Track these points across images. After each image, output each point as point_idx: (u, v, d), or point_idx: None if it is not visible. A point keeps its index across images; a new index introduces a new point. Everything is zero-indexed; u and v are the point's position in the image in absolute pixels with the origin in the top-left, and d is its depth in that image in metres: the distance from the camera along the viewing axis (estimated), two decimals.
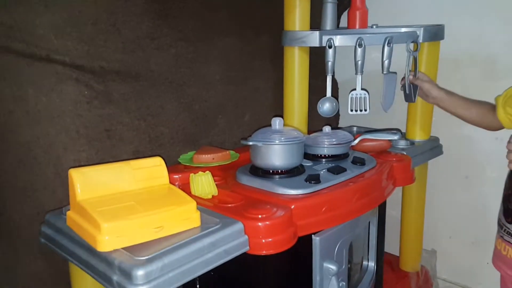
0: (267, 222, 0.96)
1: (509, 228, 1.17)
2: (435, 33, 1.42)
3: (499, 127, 1.25)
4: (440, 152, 1.56)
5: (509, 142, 1.08)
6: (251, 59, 1.48)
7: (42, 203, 1.10)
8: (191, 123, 1.35)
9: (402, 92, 1.42)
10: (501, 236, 1.20)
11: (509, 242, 1.17)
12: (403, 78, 1.39)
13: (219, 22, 1.38)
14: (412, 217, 1.60)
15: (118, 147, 1.19)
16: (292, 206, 1.02)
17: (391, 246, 1.65)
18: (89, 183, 0.93)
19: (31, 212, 1.10)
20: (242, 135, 1.46)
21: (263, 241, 0.97)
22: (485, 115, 1.29)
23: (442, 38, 1.45)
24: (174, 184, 1.12)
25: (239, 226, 0.95)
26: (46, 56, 1.08)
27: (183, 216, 0.92)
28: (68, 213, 0.95)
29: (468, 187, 1.65)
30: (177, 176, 1.18)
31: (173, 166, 1.25)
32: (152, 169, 1.02)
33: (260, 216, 0.97)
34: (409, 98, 1.40)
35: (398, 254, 1.67)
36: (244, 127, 1.48)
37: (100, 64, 1.15)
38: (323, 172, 1.17)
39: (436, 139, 1.56)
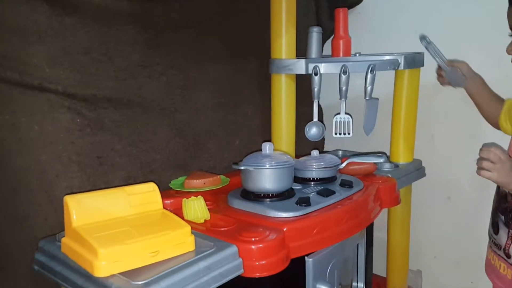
0: (261, 245, 0.98)
1: (495, 239, 1.22)
2: (416, 61, 1.48)
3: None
4: (423, 174, 1.61)
5: (481, 149, 1.13)
6: (240, 85, 1.52)
7: (34, 231, 1.10)
8: (182, 149, 1.36)
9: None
10: (490, 246, 1.26)
11: (495, 252, 1.22)
12: (438, 69, 1.46)
13: (208, 50, 1.41)
14: (398, 238, 1.63)
15: (110, 173, 1.20)
16: (285, 229, 1.04)
17: (378, 267, 1.67)
18: (85, 210, 0.94)
19: (23, 239, 1.09)
20: (232, 160, 1.48)
21: (257, 263, 0.98)
22: (496, 109, 1.36)
23: (422, 65, 1.51)
24: (166, 209, 1.13)
25: (233, 249, 0.96)
26: (39, 85, 1.09)
27: (178, 240, 0.93)
28: (63, 239, 0.95)
29: (450, 208, 1.70)
30: (168, 202, 1.19)
31: (164, 192, 1.25)
32: (146, 195, 1.03)
33: (253, 239, 0.99)
34: (458, 81, 1.43)
35: (385, 275, 1.69)
36: (234, 152, 1.50)
37: (92, 92, 1.17)
38: (312, 195, 1.20)
39: (419, 162, 1.61)
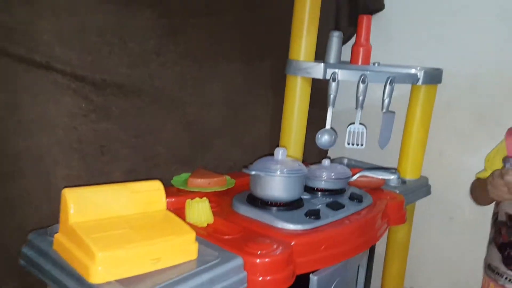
0: (267, 259, 0.92)
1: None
2: (434, 77, 1.44)
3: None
4: (429, 192, 1.57)
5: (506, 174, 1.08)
6: (252, 84, 1.45)
7: (24, 220, 1.03)
8: (188, 145, 1.30)
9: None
10: (503, 285, 1.19)
11: None
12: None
13: (225, 42, 1.34)
14: (396, 256, 1.59)
15: (111, 164, 1.14)
16: (292, 242, 0.99)
17: (372, 282, 1.64)
18: (84, 205, 0.87)
19: (10, 228, 1.02)
20: (238, 160, 1.42)
21: (260, 278, 0.92)
22: None
23: (440, 81, 1.47)
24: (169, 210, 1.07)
25: (239, 261, 0.90)
26: (46, 63, 1.02)
27: (181, 247, 0.88)
28: (57, 235, 0.88)
29: (451, 229, 1.66)
30: (170, 200, 1.12)
31: (166, 189, 1.19)
32: (150, 193, 0.97)
33: (259, 252, 0.93)
34: None
35: None
36: (240, 153, 1.44)
37: (102, 77, 1.09)
38: (321, 207, 1.15)
39: (425, 179, 1.57)
